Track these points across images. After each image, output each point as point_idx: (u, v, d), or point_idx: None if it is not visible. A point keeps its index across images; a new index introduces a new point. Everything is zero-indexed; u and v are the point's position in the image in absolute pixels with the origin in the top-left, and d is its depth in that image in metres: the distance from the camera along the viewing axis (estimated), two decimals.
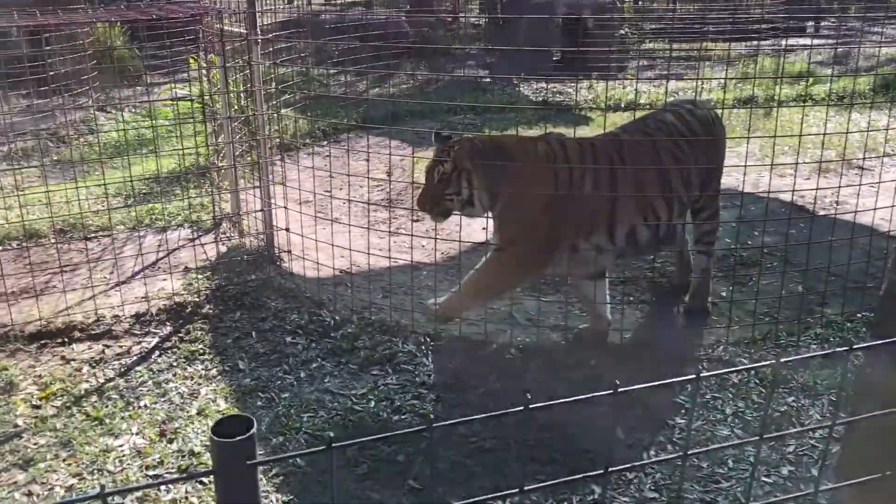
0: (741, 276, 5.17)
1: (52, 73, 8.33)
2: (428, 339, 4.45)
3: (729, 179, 7.38)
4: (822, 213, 5.93)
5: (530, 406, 1.31)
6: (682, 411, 3.78)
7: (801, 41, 13.52)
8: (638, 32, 15.01)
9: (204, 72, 6.11)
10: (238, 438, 1.08)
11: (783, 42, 12.53)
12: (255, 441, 1.11)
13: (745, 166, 4.66)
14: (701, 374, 1.34)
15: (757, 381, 3.95)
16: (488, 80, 12.18)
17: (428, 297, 4.87)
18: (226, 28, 5.22)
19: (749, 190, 6.01)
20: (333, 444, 1.08)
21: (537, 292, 5.03)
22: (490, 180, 4.16)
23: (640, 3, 19.15)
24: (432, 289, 4.90)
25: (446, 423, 1.42)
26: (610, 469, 1.30)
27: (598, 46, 12.34)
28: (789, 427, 3.61)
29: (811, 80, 10.51)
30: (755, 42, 13.08)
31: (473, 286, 4.34)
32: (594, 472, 1.39)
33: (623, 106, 10.71)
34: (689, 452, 1.36)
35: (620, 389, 1.30)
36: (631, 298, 4.89)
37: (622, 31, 13.76)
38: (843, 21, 15.15)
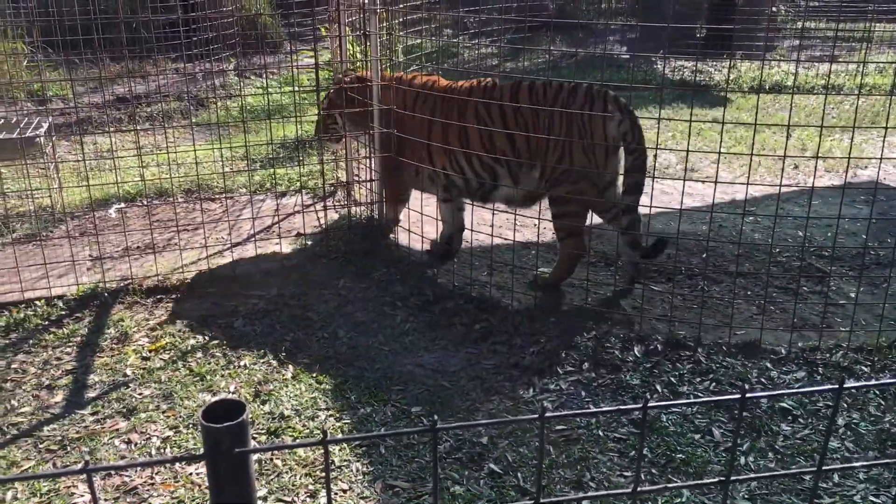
0: (874, 277, 4.76)
1: (198, 39, 8.71)
2: (526, 321, 4.35)
3: (870, 171, 6.84)
4: None
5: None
6: (789, 417, 3.52)
7: None
8: (793, 10, 14.10)
9: (330, 41, 6.19)
10: (227, 424, 1.04)
11: None
12: (247, 427, 1.07)
13: (881, 158, 4.26)
14: (747, 395, 1.19)
15: (877, 392, 3.63)
16: (626, 56, 11.77)
17: (531, 276, 4.77)
18: None
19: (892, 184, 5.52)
20: (328, 440, 1.02)
21: (646, 280, 4.82)
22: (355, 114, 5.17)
23: None
24: (536, 269, 4.80)
25: (450, 426, 1.33)
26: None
27: (746, 24, 11.67)
28: None
29: None
30: None
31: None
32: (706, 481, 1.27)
33: (767, 88, 10.11)
34: (730, 479, 1.22)
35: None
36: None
37: (774, 9, 12.94)
38: None
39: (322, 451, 3.36)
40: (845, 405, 3.57)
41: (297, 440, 3.47)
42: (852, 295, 4.53)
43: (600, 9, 15.43)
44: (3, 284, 4.61)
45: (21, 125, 5.54)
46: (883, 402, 3.58)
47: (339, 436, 3.46)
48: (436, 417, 1.24)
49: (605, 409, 3.23)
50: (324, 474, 3.24)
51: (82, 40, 5.85)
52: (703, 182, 6.18)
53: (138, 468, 3.23)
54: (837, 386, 1.12)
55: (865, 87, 9.77)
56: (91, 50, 7.88)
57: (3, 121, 5.70)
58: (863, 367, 3.83)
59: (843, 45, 12.65)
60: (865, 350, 3.96)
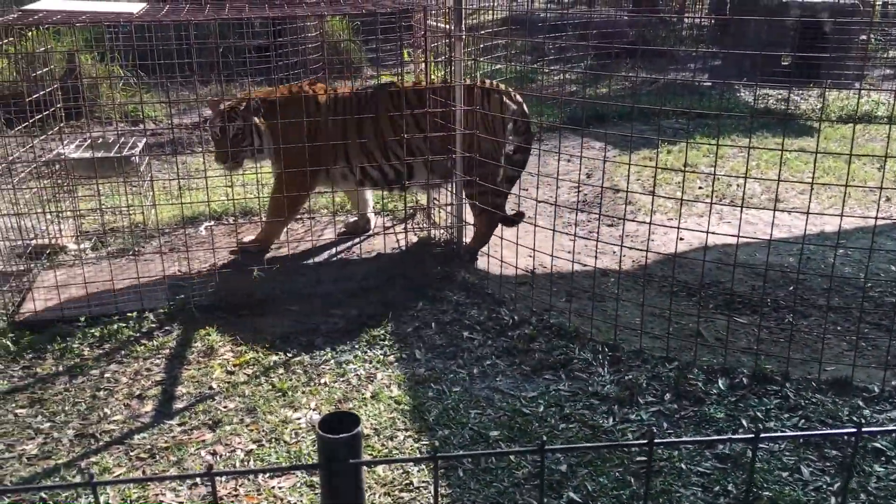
0: None
1: (281, 63, 8.96)
2: (606, 349, 4.31)
3: None
4: None
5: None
6: (882, 458, 3.38)
7: None
8: (884, 38, 13.70)
9: (413, 66, 6.30)
10: (343, 436, 1.07)
11: None
12: (360, 440, 1.09)
13: None
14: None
15: None
16: (707, 83, 11.61)
17: (611, 303, 4.72)
18: (432, 23, 5.34)
19: None
20: (438, 455, 1.03)
21: (731, 311, 4.72)
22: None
23: (888, 6, 17.46)
24: (616, 296, 4.75)
25: (563, 449, 1.32)
26: None
27: (834, 52, 11.39)
28: None
29: None
30: None
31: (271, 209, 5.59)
32: None
33: (857, 118, 9.82)
34: None
35: (865, 429, 1.15)
36: None
37: (864, 37, 12.58)
38: None
39: (431, 466, 3.38)
40: None
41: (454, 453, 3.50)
42: None
43: (681, 36, 15.27)
44: (98, 297, 4.79)
45: (118, 144, 5.78)
46: None
47: (447, 454, 3.48)
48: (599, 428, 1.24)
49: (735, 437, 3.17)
50: (403, 494, 3.26)
51: (176, 64, 6.07)
52: (790, 212, 6.03)
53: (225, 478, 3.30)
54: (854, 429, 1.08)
55: None
56: (183, 74, 8.19)
57: (101, 140, 5.96)
58: None
59: None
60: None
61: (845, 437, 3.46)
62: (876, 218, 4.10)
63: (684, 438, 3.56)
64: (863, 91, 10.79)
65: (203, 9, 5.46)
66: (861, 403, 3.74)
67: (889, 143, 4.17)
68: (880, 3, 16.26)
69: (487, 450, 3.52)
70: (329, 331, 4.60)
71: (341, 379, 4.12)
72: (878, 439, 3.41)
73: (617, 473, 3.36)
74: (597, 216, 5.38)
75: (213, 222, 6.11)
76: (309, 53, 10.23)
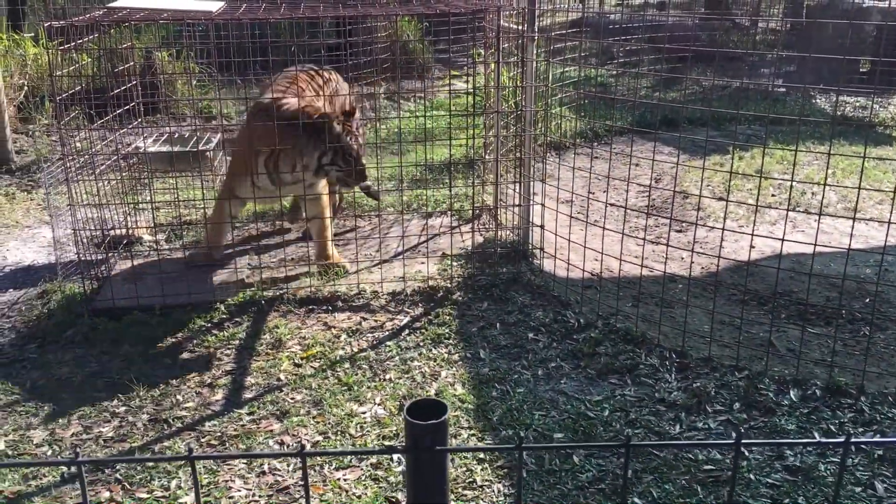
0: None
1: (351, 62, 9.07)
2: (673, 355, 4.25)
3: None
4: None
5: (741, 441, 1.20)
6: None
7: None
8: None
9: (483, 66, 6.30)
10: (431, 422, 1.08)
11: None
12: (447, 427, 1.10)
13: None
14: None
15: None
16: (782, 89, 11.34)
17: (679, 310, 4.65)
18: (504, 24, 5.34)
19: None
20: (524, 446, 1.04)
21: (804, 321, 4.61)
22: None
23: None
24: (685, 303, 4.68)
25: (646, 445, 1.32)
26: None
27: None
28: None
29: None
30: None
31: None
32: None
33: None
34: None
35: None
36: None
37: None
38: None
39: (496, 465, 3.39)
40: None
41: (536, 445, 3.51)
42: None
43: (754, 40, 14.94)
44: (172, 287, 4.92)
45: (194, 139, 5.93)
46: None
47: (532, 444, 3.48)
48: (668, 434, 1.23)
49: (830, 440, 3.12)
50: (466, 492, 3.27)
51: (250, 62, 6.21)
52: (867, 222, 5.85)
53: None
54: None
55: None
56: (255, 71, 8.36)
57: (177, 135, 6.12)
58: None
59: None
60: None
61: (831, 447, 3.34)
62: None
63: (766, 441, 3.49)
64: None
65: (279, 8, 5.56)
66: None
67: None
68: None
69: (552, 455, 3.51)
70: (394, 328, 4.64)
71: (406, 375, 4.16)
72: None
73: (683, 481, 3.32)
74: (666, 221, 5.31)
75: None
76: (378, 53, 10.35)
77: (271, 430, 3.68)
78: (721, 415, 3.75)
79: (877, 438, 3.51)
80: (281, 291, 4.96)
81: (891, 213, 4.02)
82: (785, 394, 3.86)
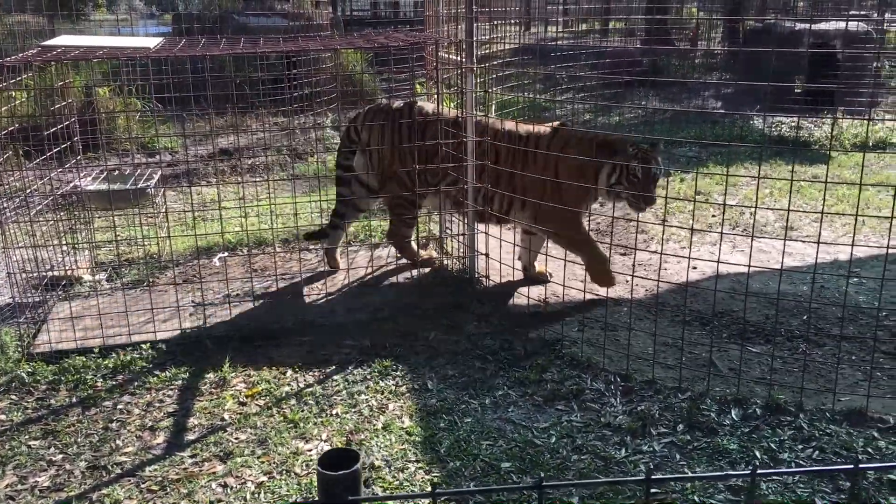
0: None
1: (297, 94, 9.09)
2: (618, 379, 4.29)
3: None
4: None
5: (651, 478, 1.23)
6: None
7: None
8: None
9: (427, 97, 6.36)
10: (342, 473, 1.08)
11: None
12: (360, 476, 1.10)
13: None
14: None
15: None
16: (721, 112, 11.63)
17: (623, 333, 4.70)
18: (444, 55, 5.40)
19: None
20: (437, 492, 1.04)
21: (745, 340, 4.69)
22: None
23: None
24: (628, 326, 4.73)
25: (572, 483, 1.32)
26: None
27: (848, 80, 11.39)
28: None
29: None
30: None
31: None
32: None
33: (871, 145, 9.80)
34: None
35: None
36: None
37: (878, 64, 12.58)
38: None
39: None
40: None
41: (392, 492, 3.48)
42: None
43: (694, 64, 15.31)
44: (112, 328, 4.83)
45: (134, 176, 5.85)
46: None
47: (390, 491, 3.46)
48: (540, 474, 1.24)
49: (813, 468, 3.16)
50: None
51: (192, 97, 6.17)
52: (804, 241, 6.00)
53: None
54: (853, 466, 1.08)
55: None
56: (199, 105, 8.32)
57: (117, 172, 6.04)
58: None
59: None
60: None
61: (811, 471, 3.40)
62: (888, 247, 4.08)
63: (680, 475, 3.53)
64: (876, 118, 10.76)
65: (218, 43, 5.55)
66: (876, 434, 3.69)
67: None
68: (894, 29, 16.27)
69: (492, 484, 3.50)
70: (341, 361, 4.61)
71: (353, 410, 4.12)
72: (893, 472, 3.37)
73: None
74: (608, 245, 5.38)
75: (227, 253, 6.16)
76: (323, 84, 10.37)
77: (214, 472, 3.61)
78: (665, 437, 3.79)
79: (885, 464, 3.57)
80: (225, 328, 4.90)
81: (819, 231, 4.14)
82: (727, 413, 3.92)
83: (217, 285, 5.46)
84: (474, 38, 5.05)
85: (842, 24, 11.70)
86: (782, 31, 12.17)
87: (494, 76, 6.18)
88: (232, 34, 9.19)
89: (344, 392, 4.28)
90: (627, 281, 5.44)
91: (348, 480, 1.08)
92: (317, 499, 1.10)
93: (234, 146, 9.24)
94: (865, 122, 10.19)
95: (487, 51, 5.98)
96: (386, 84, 11.95)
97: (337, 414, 4.08)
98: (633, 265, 5.12)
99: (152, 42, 5.30)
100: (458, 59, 5.16)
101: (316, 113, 10.26)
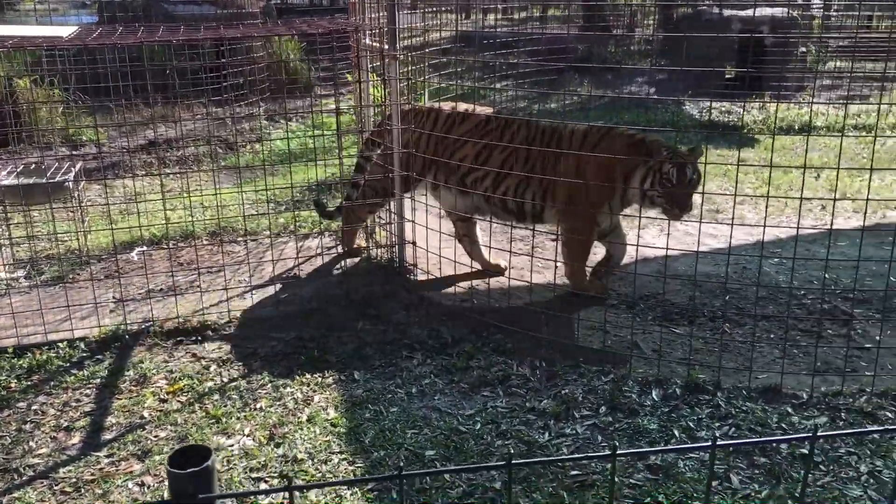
0: None
1: (228, 84, 8.93)
2: (543, 364, 4.32)
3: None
4: None
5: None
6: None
7: None
8: (822, 50, 14.04)
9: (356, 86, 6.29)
10: (192, 470, 1.05)
11: None
12: (213, 473, 1.07)
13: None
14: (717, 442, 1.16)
15: None
16: (653, 97, 11.78)
17: (551, 318, 4.73)
18: (368, 44, 5.34)
19: None
20: (292, 486, 1.02)
21: (669, 322, 4.77)
22: None
23: (830, 19, 17.90)
24: (554, 311, 4.76)
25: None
26: None
27: (775, 65, 11.65)
28: None
29: None
30: None
31: None
32: None
33: (797, 128, 10.04)
34: None
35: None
36: None
37: (803, 49, 12.89)
38: None
39: (366, 488, 3.34)
40: (868, 451, 3.46)
41: (310, 483, 3.45)
42: (877, 338, 4.43)
43: (629, 51, 15.48)
44: (28, 326, 4.68)
45: (51, 170, 5.68)
46: None
47: (309, 482, 3.44)
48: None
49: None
50: None
51: (116, 87, 6.01)
52: (723, 224, 6.10)
53: None
54: (810, 435, 1.10)
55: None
56: (126, 96, 8.11)
57: (34, 166, 5.85)
58: (887, 413, 3.73)
59: (874, 84, 12.53)
60: (890, 395, 3.85)
61: (754, 448, 3.49)
62: (798, 227, 4.19)
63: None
64: (802, 102, 11.02)
65: (136, 32, 5.40)
66: (790, 410, 3.79)
67: (825, 152, 4.26)
68: (819, 15, 16.68)
69: (423, 469, 3.49)
70: (267, 354, 4.54)
71: (278, 403, 4.07)
72: (804, 445, 3.46)
73: (551, 489, 3.36)
74: (540, 230, 5.42)
75: (146, 247, 6.01)
76: (255, 73, 10.21)
77: (132, 472, 3.53)
78: (588, 419, 3.83)
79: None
80: (147, 324, 4.79)
81: (732, 214, 4.21)
82: (648, 394, 3.98)
83: (139, 280, 5.34)
84: (397, 25, 5.00)
85: (768, 11, 11.95)
86: (711, 17, 12.37)
87: (427, 64, 6.15)
88: (160, 23, 8.97)
89: (269, 385, 4.23)
90: (558, 267, 5.47)
91: (200, 478, 1.05)
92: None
93: (163, 137, 9.03)
94: (793, 106, 10.43)
95: (421, 39, 5.95)
96: (320, 73, 11.85)
97: (261, 408, 4.03)
98: (554, 252, 5.14)
99: (66, 31, 5.13)
100: (382, 46, 5.11)
101: (249, 103, 10.11)
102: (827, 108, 10.79)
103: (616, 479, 3.38)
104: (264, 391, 4.18)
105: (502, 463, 1.25)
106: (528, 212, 5.13)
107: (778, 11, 12.17)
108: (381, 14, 5.11)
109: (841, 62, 13.35)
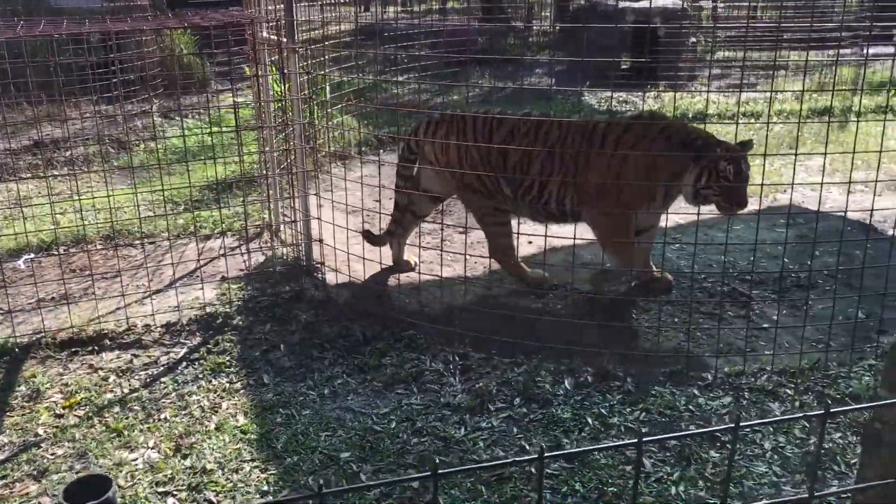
0: (795, 300, 4.85)
1: (118, 80, 8.54)
2: (457, 358, 4.30)
3: (794, 195, 7.01)
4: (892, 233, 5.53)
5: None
6: (718, 444, 3.52)
7: (886, 50, 12.83)
8: (711, 40, 14.54)
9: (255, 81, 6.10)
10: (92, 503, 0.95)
11: (865, 51, 11.90)
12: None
13: (793, 184, 4.34)
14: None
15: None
16: (552, 89, 11.94)
17: (464, 312, 4.71)
18: (265, 36, 5.19)
19: (813, 207, 5.67)
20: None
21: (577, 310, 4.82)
22: None
23: (718, 10, 18.57)
24: (465, 305, 4.75)
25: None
26: None
27: (668, 55, 11.99)
28: (831, 466, 3.33)
29: (893, 91, 9.94)
30: (835, 51, 12.47)
31: None
32: None
33: (691, 116, 10.35)
34: None
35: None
36: None
37: (693, 39, 13.32)
38: None
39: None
40: (771, 429, 3.59)
41: (220, 494, 3.34)
42: (774, 318, 4.60)
43: (528, 43, 15.66)
44: None
45: None
46: (807, 425, 3.61)
47: (220, 492, 3.33)
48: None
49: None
50: None
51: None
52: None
53: None
54: (733, 425, 1.09)
55: (782, 114, 10.10)
56: (6, 95, 7.65)
57: None
58: (787, 390, 3.87)
59: (762, 73, 13.06)
60: (788, 372, 4.00)
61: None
62: (698, 213, 4.30)
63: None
64: (694, 91, 11.38)
65: (15, 26, 5.08)
66: (696, 392, 3.89)
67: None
68: (708, 6, 17.27)
69: (331, 476, 3.42)
70: (170, 362, 4.36)
71: (183, 412, 3.91)
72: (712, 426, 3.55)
73: (469, 483, 3.34)
74: (448, 223, 5.40)
75: (34, 255, 5.69)
76: (147, 69, 9.81)
77: (27, 494, 3.32)
78: (503, 412, 3.83)
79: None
80: (38, 336, 4.52)
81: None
82: (560, 384, 4.01)
83: (27, 289, 5.04)
84: (295, 18, 4.87)
85: (660, 2, 12.29)
86: (606, 9, 12.62)
87: (326, 57, 6.02)
88: (41, 17, 8.49)
89: (173, 394, 4.06)
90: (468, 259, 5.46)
91: None
92: None
93: (49, 137, 8.57)
94: (686, 94, 10.76)
95: (320, 31, 5.82)
96: (216, 69, 11.50)
97: (165, 418, 3.86)
98: (466, 243, 5.13)
99: None
100: (280, 39, 4.97)
101: (141, 99, 9.70)
102: (717, 97, 11.17)
103: (533, 471, 3.39)
104: (168, 400, 4.01)
105: (427, 473, 1.20)
106: (569, 212, 4.96)
107: (669, 2, 12.53)
108: (277, 6, 4.96)
109: (728, 52, 13.86)
